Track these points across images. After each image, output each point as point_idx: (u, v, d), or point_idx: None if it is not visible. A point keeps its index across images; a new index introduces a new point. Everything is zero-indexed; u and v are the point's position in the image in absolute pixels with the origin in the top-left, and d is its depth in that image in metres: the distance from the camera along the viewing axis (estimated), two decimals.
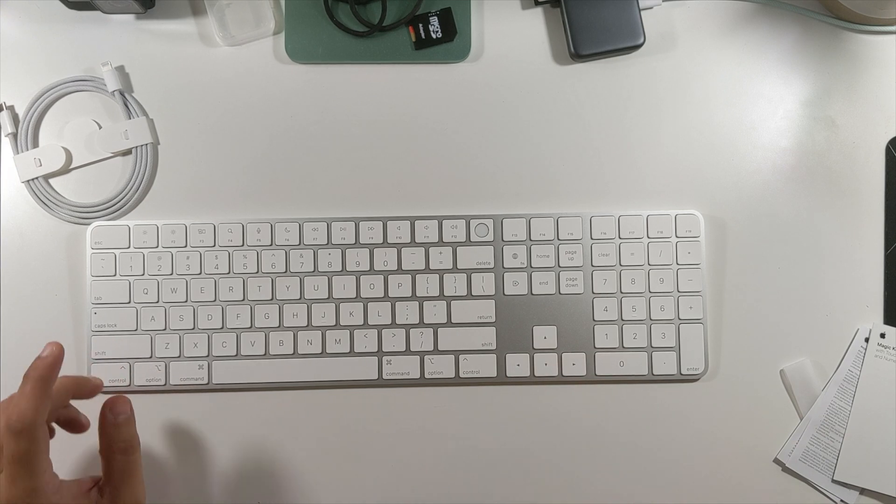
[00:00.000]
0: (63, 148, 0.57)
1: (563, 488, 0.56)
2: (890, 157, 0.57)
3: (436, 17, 0.57)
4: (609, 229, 0.56)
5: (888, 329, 0.56)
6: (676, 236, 0.55)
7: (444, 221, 0.56)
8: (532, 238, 0.56)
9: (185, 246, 0.55)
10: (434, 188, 0.57)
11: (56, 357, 0.43)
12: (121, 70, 0.58)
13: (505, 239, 0.56)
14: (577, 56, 0.57)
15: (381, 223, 0.56)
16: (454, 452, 0.56)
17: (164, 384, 0.55)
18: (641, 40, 0.56)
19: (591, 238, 0.56)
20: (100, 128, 0.57)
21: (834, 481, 0.54)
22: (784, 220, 0.57)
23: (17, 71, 0.58)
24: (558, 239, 0.56)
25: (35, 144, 0.57)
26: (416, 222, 0.56)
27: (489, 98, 0.58)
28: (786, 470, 0.55)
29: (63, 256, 0.57)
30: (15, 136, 0.57)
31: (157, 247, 0.55)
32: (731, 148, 0.57)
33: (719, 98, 0.58)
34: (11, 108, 0.57)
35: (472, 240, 0.56)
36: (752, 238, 0.57)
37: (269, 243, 0.55)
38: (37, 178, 0.56)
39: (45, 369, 0.43)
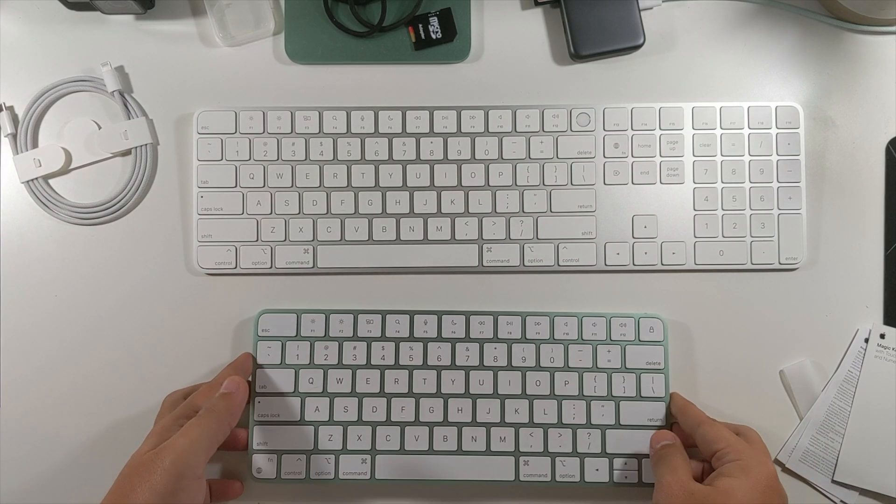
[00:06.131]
0: (63, 148, 0.57)
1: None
2: (890, 157, 0.57)
3: (435, 18, 0.57)
4: (711, 119, 0.56)
5: (888, 329, 0.56)
6: (777, 127, 0.56)
7: (545, 111, 0.56)
8: (634, 128, 0.56)
9: (291, 132, 0.56)
10: None
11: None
12: (120, 70, 0.58)
13: (606, 128, 0.56)
14: (577, 56, 0.57)
15: (482, 112, 0.56)
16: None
17: (270, 267, 0.56)
18: (641, 40, 0.56)
19: (693, 128, 0.56)
20: (99, 128, 0.57)
21: (834, 482, 0.54)
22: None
23: (17, 71, 0.58)
24: (660, 129, 0.56)
25: (35, 145, 0.57)
26: (517, 111, 0.56)
27: (489, 99, 0.58)
28: (786, 470, 0.55)
29: (63, 257, 0.57)
30: (14, 136, 0.57)
31: (262, 132, 0.56)
32: None
33: (719, 98, 0.57)
34: (11, 109, 0.57)
35: (573, 129, 0.56)
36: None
37: (374, 131, 0.56)
38: (36, 178, 0.56)
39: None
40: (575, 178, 0.56)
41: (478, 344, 0.55)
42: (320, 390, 0.54)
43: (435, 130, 0.56)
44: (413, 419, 0.54)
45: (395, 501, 0.55)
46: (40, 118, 0.57)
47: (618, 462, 0.54)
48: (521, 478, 0.54)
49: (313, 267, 0.56)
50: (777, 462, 0.55)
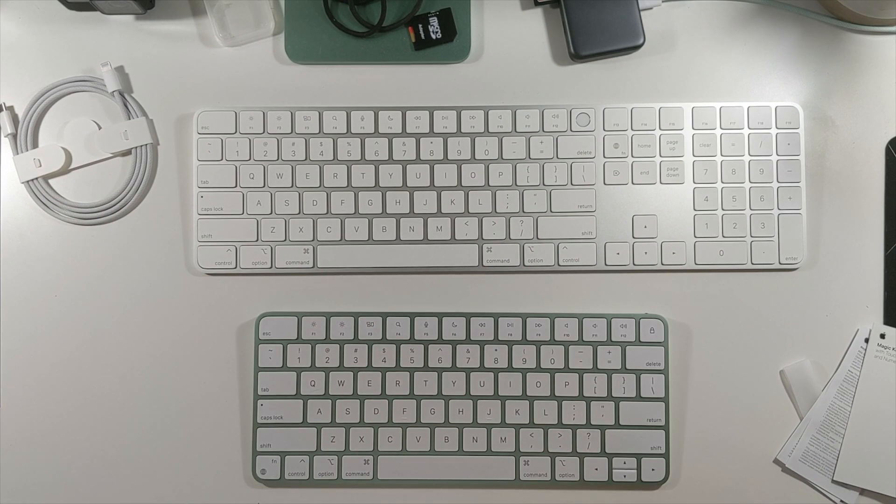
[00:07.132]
0: (63, 148, 0.57)
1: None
2: (890, 157, 0.57)
3: (435, 18, 0.57)
4: (710, 120, 0.56)
5: (888, 329, 0.56)
6: (777, 127, 0.56)
7: (545, 111, 0.56)
8: (633, 128, 0.56)
9: (291, 132, 0.56)
10: None
11: None
12: (120, 70, 0.58)
13: (606, 128, 0.56)
14: (577, 56, 0.57)
15: (482, 112, 0.56)
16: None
17: (270, 267, 0.56)
18: (641, 41, 0.56)
19: (693, 128, 0.56)
20: (99, 128, 0.57)
21: (834, 482, 0.54)
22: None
23: (17, 71, 0.58)
24: (660, 129, 0.56)
25: (35, 145, 0.57)
26: (517, 111, 0.56)
27: (489, 99, 0.58)
28: (786, 470, 0.55)
29: (63, 257, 0.57)
30: (14, 136, 0.57)
31: (262, 132, 0.56)
32: None
33: (719, 98, 0.58)
34: (11, 109, 0.57)
35: (573, 129, 0.56)
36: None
37: (374, 131, 0.56)
38: (36, 178, 0.56)
39: None
40: (575, 178, 0.56)
41: (478, 346, 0.55)
42: (322, 392, 0.54)
43: (435, 130, 0.56)
44: (414, 420, 0.54)
45: (398, 502, 0.55)
46: (40, 118, 0.57)
47: (617, 461, 0.54)
48: (522, 477, 0.54)
49: (313, 267, 0.56)
50: (777, 462, 0.55)
